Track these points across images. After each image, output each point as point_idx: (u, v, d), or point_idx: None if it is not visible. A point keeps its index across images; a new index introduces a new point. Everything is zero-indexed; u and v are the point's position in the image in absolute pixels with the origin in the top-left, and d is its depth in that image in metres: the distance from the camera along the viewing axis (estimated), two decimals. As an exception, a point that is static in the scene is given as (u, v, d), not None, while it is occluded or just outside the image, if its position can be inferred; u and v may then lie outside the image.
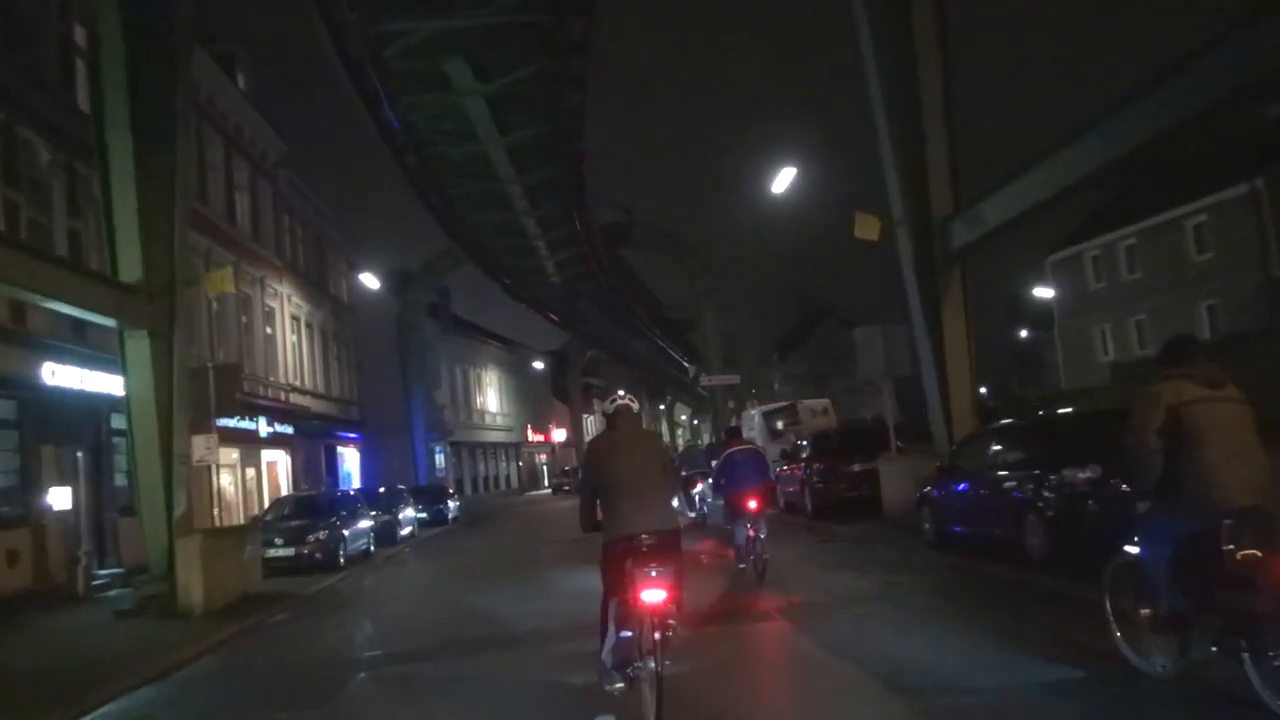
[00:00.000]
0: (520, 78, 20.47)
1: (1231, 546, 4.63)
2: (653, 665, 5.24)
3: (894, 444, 15.70)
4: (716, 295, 38.19)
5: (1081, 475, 8.91)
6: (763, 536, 10.80)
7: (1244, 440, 4.90)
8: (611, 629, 5.49)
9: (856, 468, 16.78)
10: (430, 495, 31.96)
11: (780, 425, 22.60)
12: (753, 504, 10.79)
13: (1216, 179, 31.69)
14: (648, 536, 5.35)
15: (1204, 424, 4.86)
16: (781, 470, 19.77)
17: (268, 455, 27.34)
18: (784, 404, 22.98)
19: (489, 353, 57.03)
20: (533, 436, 65.24)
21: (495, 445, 56.87)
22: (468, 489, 50.50)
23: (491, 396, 57.42)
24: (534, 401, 66.83)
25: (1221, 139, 28.16)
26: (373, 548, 19.79)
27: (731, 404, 39.28)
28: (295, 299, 30.39)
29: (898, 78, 13.92)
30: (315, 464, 31.85)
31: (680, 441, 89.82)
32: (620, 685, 5.51)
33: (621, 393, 5.97)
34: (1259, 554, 4.54)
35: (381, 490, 26.00)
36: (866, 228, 14.63)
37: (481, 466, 54.10)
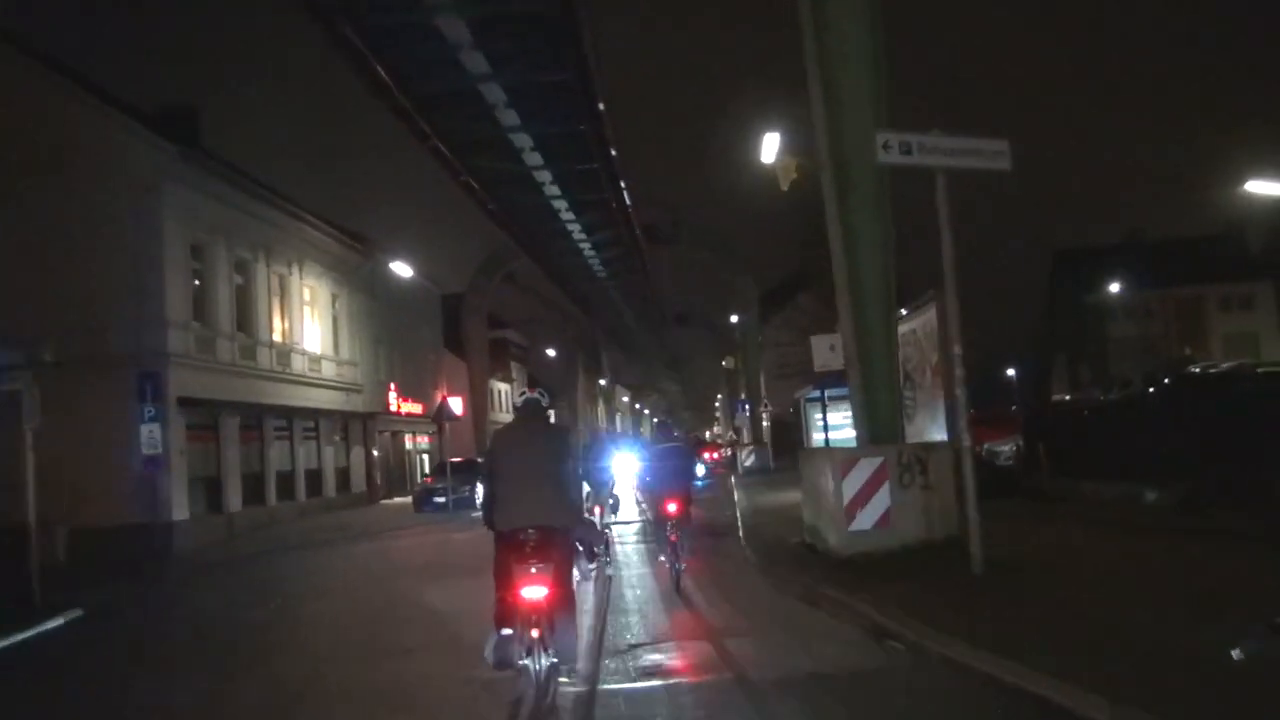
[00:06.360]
0: None
1: None
2: (531, 664, 5.33)
3: None
4: None
5: None
6: (685, 547, 10.38)
7: None
8: (492, 627, 5.57)
9: None
10: None
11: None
12: (671, 508, 10.52)
13: None
14: (533, 531, 5.48)
15: None
16: None
17: None
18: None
19: (308, 241, 30.68)
20: (403, 405, 39.09)
21: (314, 414, 30.37)
22: (233, 500, 24.41)
23: (310, 325, 31.12)
24: (408, 350, 40.64)
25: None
26: None
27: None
28: None
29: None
30: None
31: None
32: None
33: (530, 389, 5.84)
34: None
35: None
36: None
37: (275, 453, 27.61)
